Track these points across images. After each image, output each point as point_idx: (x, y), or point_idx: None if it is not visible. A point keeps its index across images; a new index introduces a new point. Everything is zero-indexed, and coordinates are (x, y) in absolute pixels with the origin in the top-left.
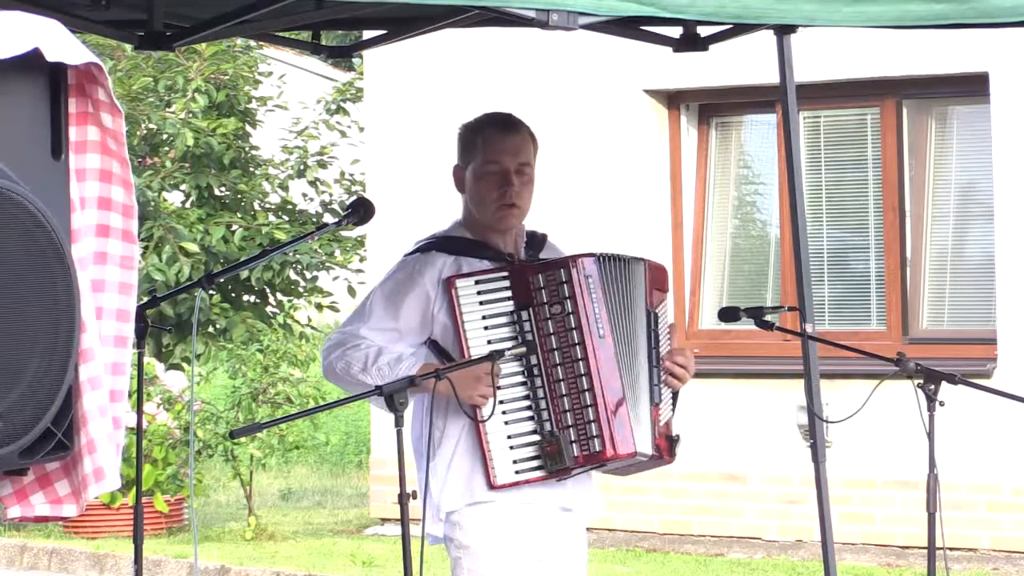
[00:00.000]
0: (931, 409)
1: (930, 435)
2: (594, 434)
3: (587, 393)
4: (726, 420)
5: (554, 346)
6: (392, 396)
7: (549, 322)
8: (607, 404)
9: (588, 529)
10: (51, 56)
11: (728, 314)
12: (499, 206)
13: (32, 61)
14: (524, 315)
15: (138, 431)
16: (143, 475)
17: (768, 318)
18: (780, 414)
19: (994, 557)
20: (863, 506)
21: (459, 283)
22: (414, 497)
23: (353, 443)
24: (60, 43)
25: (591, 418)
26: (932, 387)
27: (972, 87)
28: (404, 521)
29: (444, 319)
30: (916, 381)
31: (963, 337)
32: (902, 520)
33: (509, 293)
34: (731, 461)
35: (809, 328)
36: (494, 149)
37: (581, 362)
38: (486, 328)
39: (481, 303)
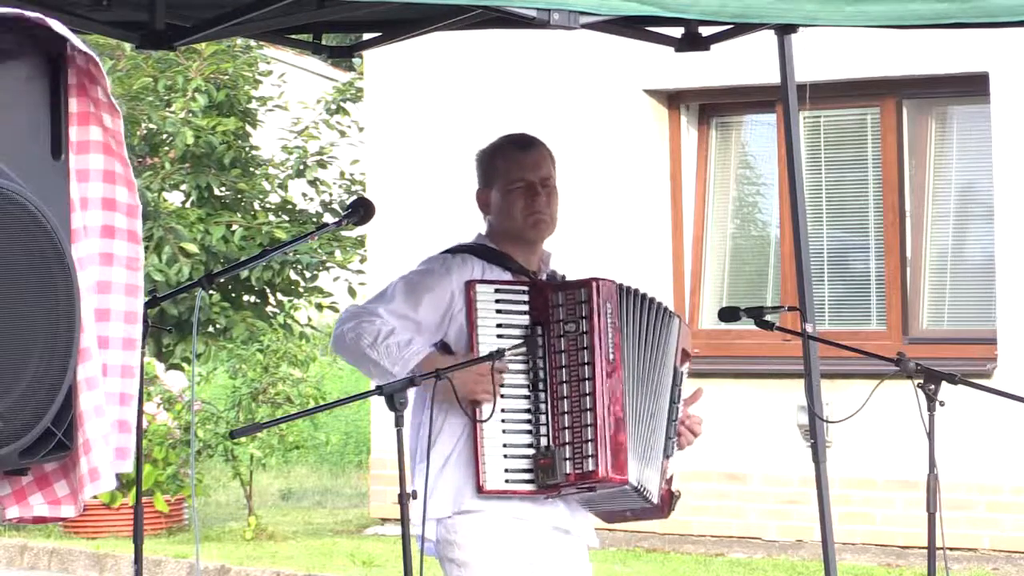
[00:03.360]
0: (931, 409)
1: (930, 435)
2: (589, 453)
3: (589, 413)
4: (726, 420)
5: (563, 363)
6: (392, 396)
7: (562, 339)
8: (607, 427)
9: None
10: (57, 29)
11: (728, 314)
12: (530, 213)
13: (33, 40)
14: (539, 330)
15: (138, 431)
16: (143, 475)
17: (768, 318)
18: (780, 414)
19: (994, 557)
20: (863, 506)
21: (479, 287)
22: (414, 497)
23: (353, 443)
24: (63, 28)
25: (589, 437)
26: (932, 387)
27: (972, 87)
28: (404, 521)
29: (461, 320)
30: (916, 381)
31: (963, 337)
32: (902, 520)
33: (527, 308)
34: (731, 461)
35: (809, 328)
36: (516, 167)
37: (587, 382)
38: (499, 336)
39: (498, 311)
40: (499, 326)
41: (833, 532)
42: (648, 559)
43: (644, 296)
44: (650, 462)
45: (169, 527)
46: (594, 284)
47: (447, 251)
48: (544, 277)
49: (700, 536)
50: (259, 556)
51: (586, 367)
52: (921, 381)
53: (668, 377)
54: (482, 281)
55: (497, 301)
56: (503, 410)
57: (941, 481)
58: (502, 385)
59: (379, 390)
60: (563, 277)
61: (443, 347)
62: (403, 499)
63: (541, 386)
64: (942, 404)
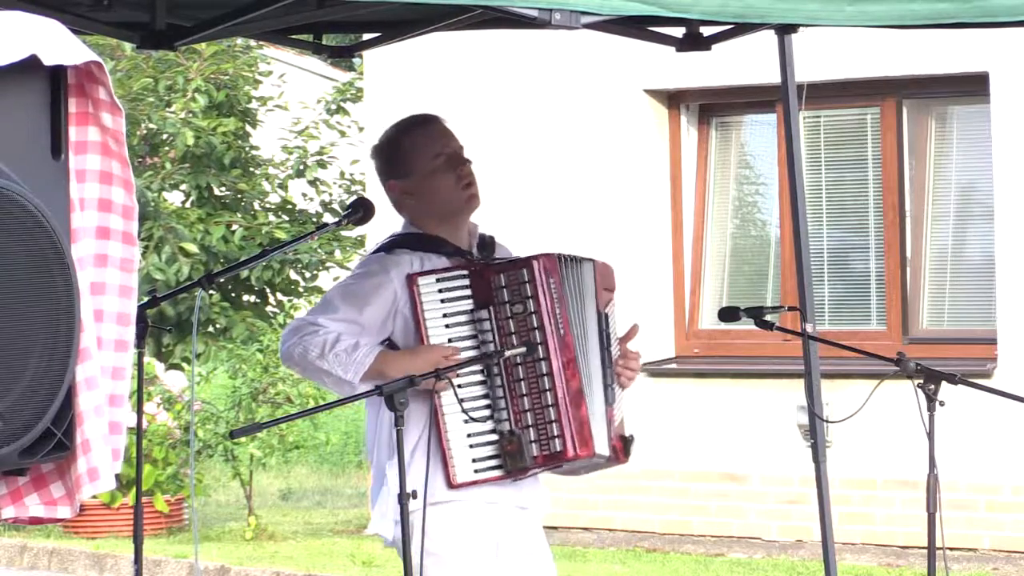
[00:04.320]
0: (931, 409)
1: (930, 435)
2: (555, 434)
3: (548, 393)
4: (726, 420)
5: (515, 345)
6: (392, 396)
7: (510, 321)
8: (568, 404)
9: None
10: (48, 60)
11: (728, 314)
12: (465, 185)
13: (30, 64)
14: (484, 314)
15: (138, 431)
16: (143, 475)
17: (768, 318)
18: (780, 414)
19: (994, 557)
20: (863, 506)
21: (421, 280)
22: (414, 497)
23: (353, 443)
24: (58, 45)
25: (552, 418)
26: (932, 387)
27: (972, 87)
28: (404, 521)
29: (406, 315)
30: (916, 381)
31: (963, 337)
32: (902, 520)
33: (469, 292)
34: (731, 461)
35: (809, 328)
36: (431, 142)
37: (543, 362)
38: (447, 326)
39: (442, 301)
40: (445, 315)
41: (833, 532)
42: (648, 559)
43: (573, 258)
44: (599, 422)
45: (169, 527)
46: (534, 263)
47: (379, 249)
48: (476, 250)
49: (700, 536)
50: (259, 556)
51: (539, 347)
52: (921, 381)
53: (594, 325)
54: (423, 273)
55: (440, 291)
56: (462, 399)
57: (941, 481)
58: (457, 376)
59: (379, 390)
60: (491, 239)
61: (390, 346)
62: (403, 499)
63: (496, 370)
64: (942, 404)
